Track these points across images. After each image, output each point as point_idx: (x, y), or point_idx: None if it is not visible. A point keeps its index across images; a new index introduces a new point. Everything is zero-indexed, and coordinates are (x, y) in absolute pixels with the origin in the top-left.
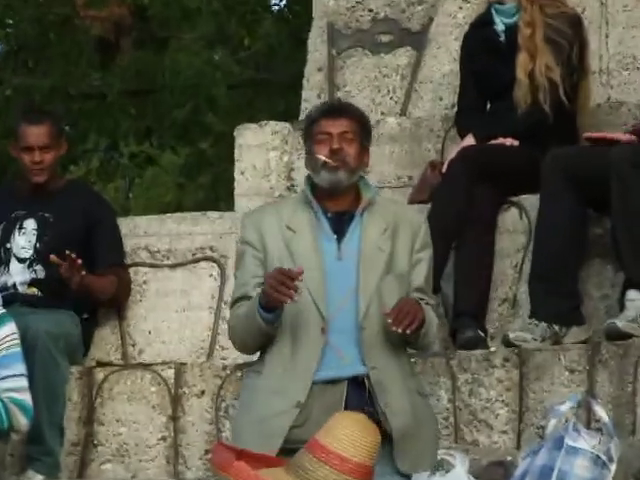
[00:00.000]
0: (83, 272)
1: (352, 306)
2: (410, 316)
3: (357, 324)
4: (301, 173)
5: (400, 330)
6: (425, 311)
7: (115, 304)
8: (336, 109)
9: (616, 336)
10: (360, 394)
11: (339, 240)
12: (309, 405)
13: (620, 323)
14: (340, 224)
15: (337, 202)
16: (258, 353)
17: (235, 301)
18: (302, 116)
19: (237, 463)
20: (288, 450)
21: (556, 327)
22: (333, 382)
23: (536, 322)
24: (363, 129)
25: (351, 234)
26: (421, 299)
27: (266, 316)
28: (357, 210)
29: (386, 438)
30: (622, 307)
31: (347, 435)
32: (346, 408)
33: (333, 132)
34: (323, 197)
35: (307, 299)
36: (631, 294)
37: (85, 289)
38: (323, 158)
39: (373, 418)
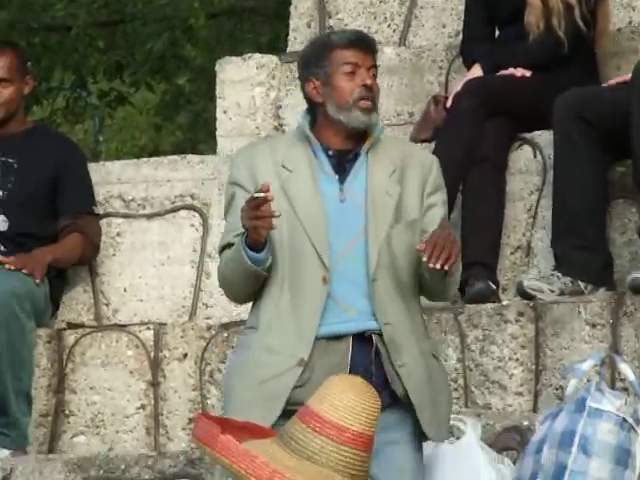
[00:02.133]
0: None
1: (359, 254)
2: (447, 250)
3: (366, 274)
4: (290, 111)
5: (438, 266)
6: None
7: (81, 264)
8: (366, 40)
9: None
10: (366, 352)
11: (341, 181)
12: (312, 363)
13: None
14: (342, 163)
15: (343, 140)
16: (250, 307)
17: (224, 248)
18: (290, 47)
19: (223, 437)
20: (289, 412)
21: (582, 284)
22: (336, 338)
23: (559, 275)
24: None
25: (355, 174)
26: None
27: (254, 256)
28: (362, 149)
29: (395, 403)
30: None
31: (344, 402)
32: (351, 366)
33: (362, 65)
34: (325, 133)
35: (306, 245)
36: None
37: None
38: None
39: (377, 380)
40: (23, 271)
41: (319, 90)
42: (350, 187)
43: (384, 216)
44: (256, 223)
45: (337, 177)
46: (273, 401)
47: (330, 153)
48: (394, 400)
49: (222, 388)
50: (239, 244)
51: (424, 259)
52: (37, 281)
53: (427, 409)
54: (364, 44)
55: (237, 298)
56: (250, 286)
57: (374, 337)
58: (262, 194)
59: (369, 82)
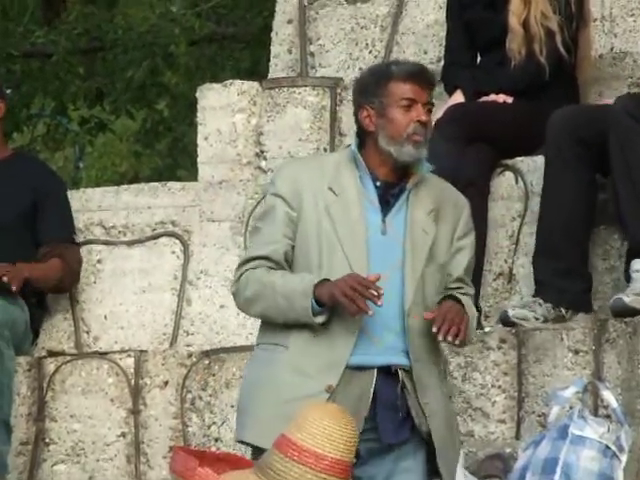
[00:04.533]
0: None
1: (394, 288)
2: (456, 327)
3: (400, 309)
4: (271, 138)
5: (448, 340)
6: (466, 307)
7: (60, 290)
8: (425, 75)
9: (623, 312)
10: (390, 385)
11: (384, 213)
12: (337, 391)
13: (627, 298)
14: (386, 195)
15: (389, 171)
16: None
17: (254, 258)
18: (271, 73)
19: (200, 470)
20: None
21: (562, 310)
22: (361, 368)
23: (540, 301)
24: None
25: (398, 209)
26: (460, 288)
27: (319, 310)
28: (408, 184)
29: (413, 436)
30: (628, 279)
31: (321, 429)
32: (374, 398)
33: (419, 101)
34: (372, 161)
35: (345, 271)
36: (637, 264)
37: (26, 283)
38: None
39: (401, 415)
40: (4, 279)
41: (372, 119)
42: (392, 221)
43: (420, 254)
44: (354, 309)
45: (381, 208)
46: None
47: (377, 184)
48: (412, 434)
49: (204, 414)
50: (304, 292)
51: (434, 330)
52: (14, 288)
53: (446, 450)
54: (423, 79)
55: (262, 318)
56: (284, 321)
57: (400, 372)
58: (376, 293)
59: (424, 118)
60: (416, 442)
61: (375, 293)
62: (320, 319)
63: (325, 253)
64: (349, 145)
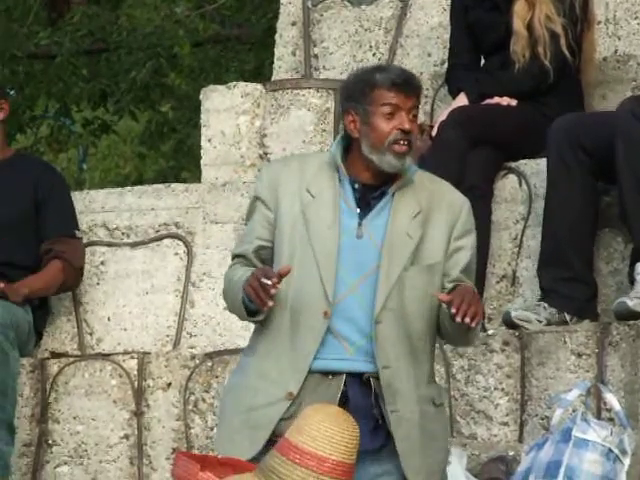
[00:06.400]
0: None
1: (367, 293)
2: (474, 307)
3: (371, 315)
4: (275, 139)
5: (468, 320)
6: None
7: (65, 291)
8: (410, 83)
9: (627, 315)
10: (362, 392)
11: (362, 216)
12: (301, 397)
13: (631, 301)
14: (366, 198)
15: (372, 175)
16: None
17: (234, 256)
18: (275, 75)
19: (202, 475)
20: (275, 442)
21: (567, 316)
22: (330, 374)
23: (545, 305)
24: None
25: (378, 212)
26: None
27: (251, 306)
28: (391, 188)
29: (389, 441)
30: (632, 282)
31: (322, 432)
32: (342, 404)
33: (403, 108)
34: (355, 166)
35: (314, 274)
36: None
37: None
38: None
39: (376, 421)
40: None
41: (357, 125)
42: (370, 224)
43: (400, 258)
44: (253, 295)
45: (358, 211)
46: (258, 431)
47: (356, 187)
48: (388, 440)
49: (207, 416)
50: (240, 289)
51: (452, 311)
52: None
53: (416, 457)
54: (408, 86)
55: (230, 312)
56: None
57: (372, 380)
58: (270, 282)
59: (407, 126)
60: (393, 446)
61: (269, 282)
62: (259, 316)
63: (297, 255)
64: None
